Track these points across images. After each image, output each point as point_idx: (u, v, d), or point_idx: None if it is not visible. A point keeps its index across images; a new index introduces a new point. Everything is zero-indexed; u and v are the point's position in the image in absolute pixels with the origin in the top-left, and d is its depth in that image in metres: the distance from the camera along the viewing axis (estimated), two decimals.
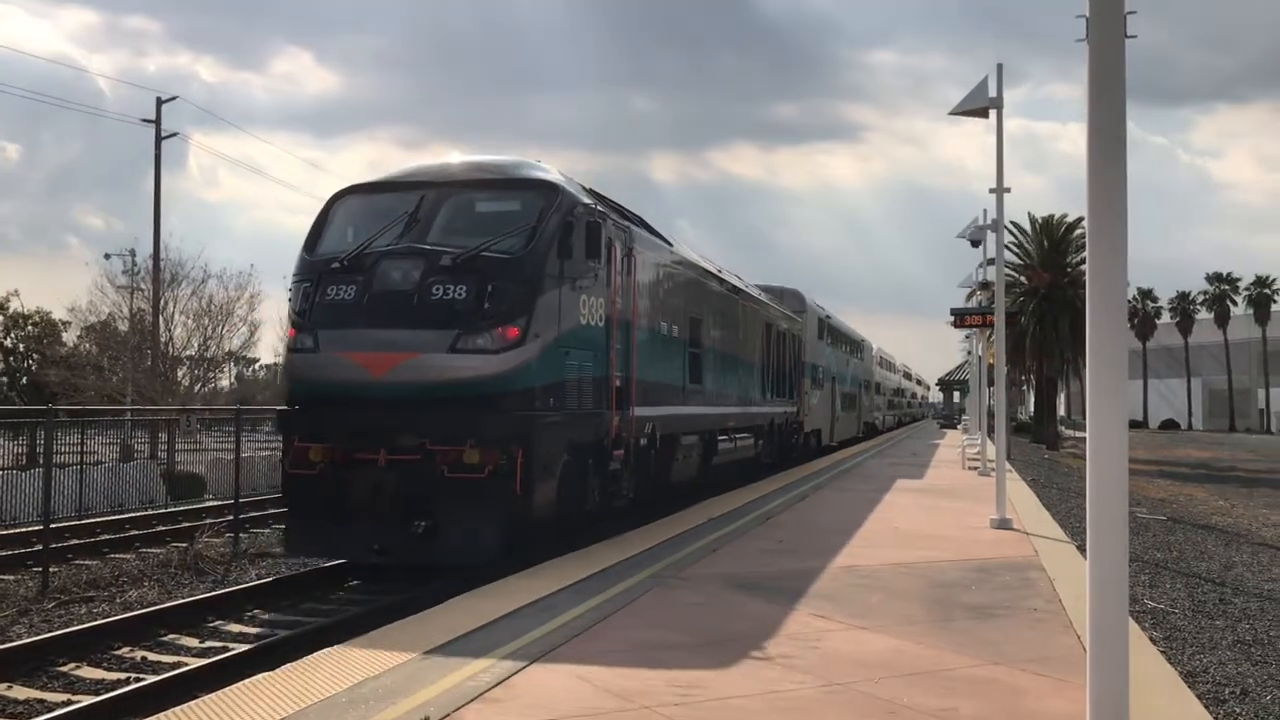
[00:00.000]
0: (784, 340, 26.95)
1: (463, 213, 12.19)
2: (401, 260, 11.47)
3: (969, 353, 45.14)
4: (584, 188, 13.62)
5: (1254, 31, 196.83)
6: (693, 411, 17.50)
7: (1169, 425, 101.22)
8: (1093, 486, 4.66)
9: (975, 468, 25.64)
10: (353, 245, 11.90)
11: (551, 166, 13.46)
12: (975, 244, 22.37)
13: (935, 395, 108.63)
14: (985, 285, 29.08)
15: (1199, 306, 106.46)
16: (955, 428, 64.52)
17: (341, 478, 11.29)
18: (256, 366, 76.78)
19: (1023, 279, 52.09)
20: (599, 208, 13.20)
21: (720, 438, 19.70)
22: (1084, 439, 5.12)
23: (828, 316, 36.99)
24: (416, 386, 11.09)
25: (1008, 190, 15.46)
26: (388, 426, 11.15)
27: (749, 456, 22.63)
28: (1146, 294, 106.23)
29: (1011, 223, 53.59)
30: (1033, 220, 54.15)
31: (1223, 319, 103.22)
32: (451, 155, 13.87)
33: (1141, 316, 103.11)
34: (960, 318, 24.53)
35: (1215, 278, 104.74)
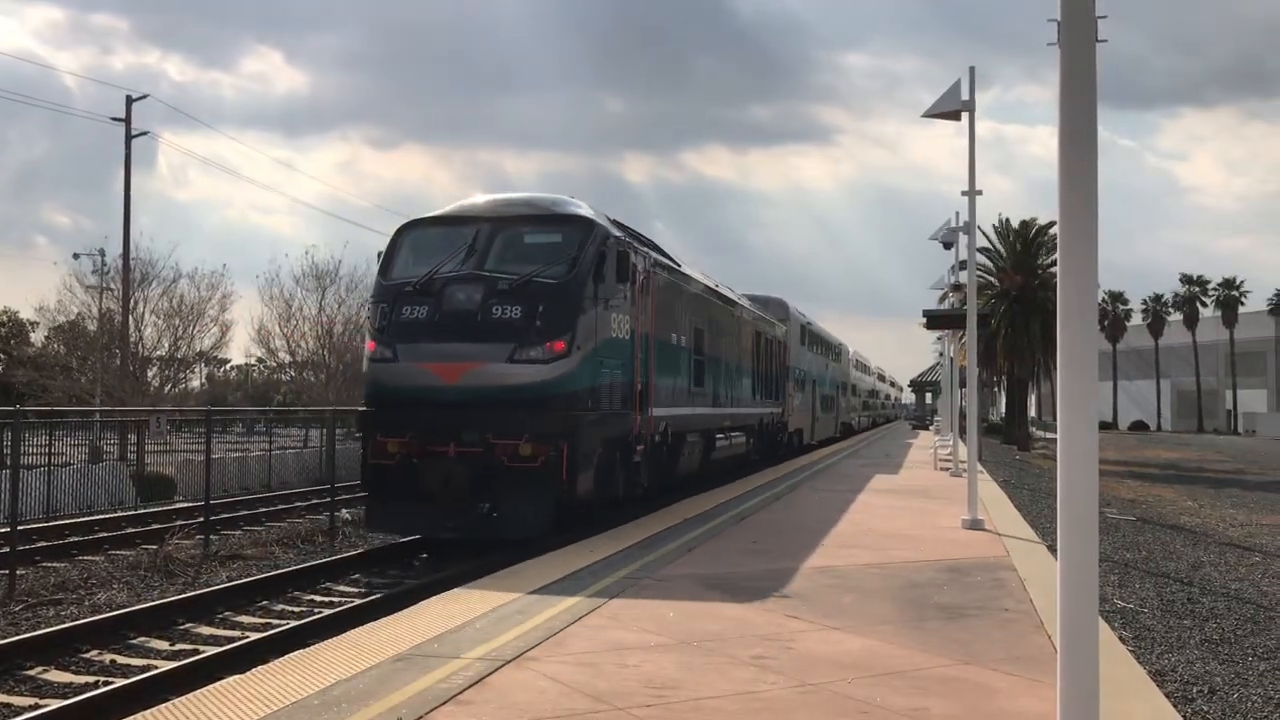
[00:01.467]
0: (770, 346, 29.01)
1: (514, 244, 14.35)
2: (466, 285, 13.74)
3: (941, 354, 45.33)
4: (610, 219, 15.87)
5: (1220, 35, 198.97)
6: (697, 412, 19.78)
7: (1138, 426, 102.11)
8: (1063, 487, 4.69)
9: (947, 468, 25.78)
10: (421, 272, 14.09)
11: (583, 203, 15.65)
12: (947, 246, 22.45)
13: (908, 396, 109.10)
14: (957, 287, 29.22)
15: (1168, 309, 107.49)
16: (927, 428, 64.82)
17: (416, 467, 13.42)
18: (228, 367, 76.26)
19: (994, 281, 52.46)
20: (625, 238, 15.55)
21: (718, 436, 21.94)
22: (1055, 440, 5.15)
23: (809, 323, 38.96)
24: (481, 391, 13.32)
25: (979, 193, 15.55)
26: (456, 424, 13.29)
27: (741, 453, 24.83)
28: (1116, 296, 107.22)
29: (992, 226, 53.97)
30: (1005, 224, 54.57)
31: (1192, 321, 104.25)
32: (500, 194, 15.88)
33: (1111, 318, 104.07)
34: (933, 320, 24.65)
35: (1187, 279, 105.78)
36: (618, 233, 15.36)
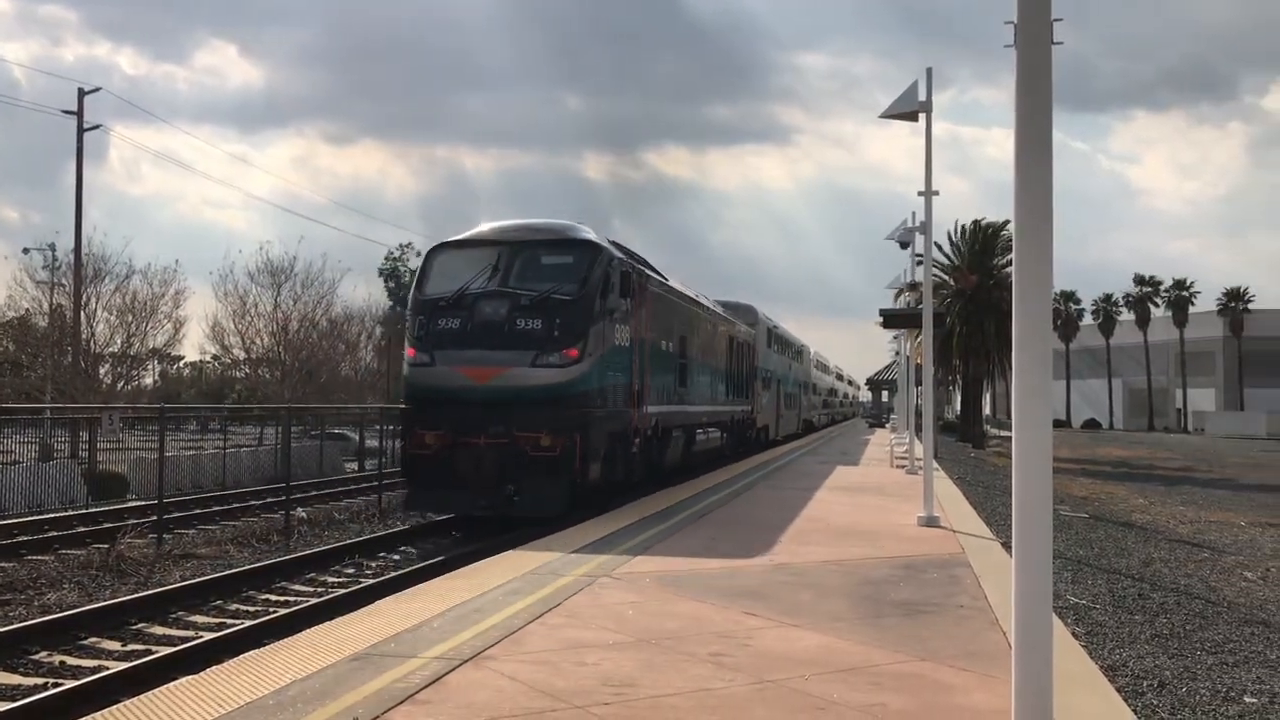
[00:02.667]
0: (741, 350, 31.23)
1: (532, 264, 16.42)
2: (492, 300, 15.93)
3: (897, 353, 45.73)
4: (611, 242, 18.30)
5: (1170, 39, 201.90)
6: (681, 410, 22.23)
7: (1091, 424, 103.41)
8: (1018, 485, 4.73)
9: (903, 466, 25.97)
10: (453, 288, 16.21)
11: (588, 228, 17.85)
12: (904, 246, 22.63)
13: (865, 395, 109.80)
14: (914, 286, 29.46)
15: (1120, 309, 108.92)
16: (883, 426, 65.30)
17: (450, 456, 15.53)
18: (181, 364, 75.28)
19: (950, 280, 52.92)
20: (625, 258, 17.83)
21: (698, 431, 24.34)
22: (1009, 438, 5.20)
23: (774, 326, 41.27)
24: (507, 391, 15.44)
25: (936, 193, 15.67)
26: (485, 419, 15.40)
27: (717, 447, 27.10)
28: (1069, 296, 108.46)
29: (948, 233, 54.47)
30: (961, 227, 55.07)
31: (1143, 321, 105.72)
32: (518, 220, 18.03)
33: (1065, 318, 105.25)
34: (890, 319, 24.83)
35: (1139, 280, 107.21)
36: (619, 254, 17.69)
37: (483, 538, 15.53)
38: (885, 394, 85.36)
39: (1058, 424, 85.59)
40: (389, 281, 57.24)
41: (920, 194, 15.81)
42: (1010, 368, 5.14)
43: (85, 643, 10.12)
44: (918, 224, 20.38)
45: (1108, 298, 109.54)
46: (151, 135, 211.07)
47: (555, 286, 15.93)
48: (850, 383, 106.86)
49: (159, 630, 10.77)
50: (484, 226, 17.83)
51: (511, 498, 15.28)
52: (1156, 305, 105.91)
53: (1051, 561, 4.78)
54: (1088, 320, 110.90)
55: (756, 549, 11.70)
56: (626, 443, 17.64)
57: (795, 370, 48.69)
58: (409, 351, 16.56)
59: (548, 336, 15.56)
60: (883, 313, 24.75)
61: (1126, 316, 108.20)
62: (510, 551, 11.36)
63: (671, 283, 22.29)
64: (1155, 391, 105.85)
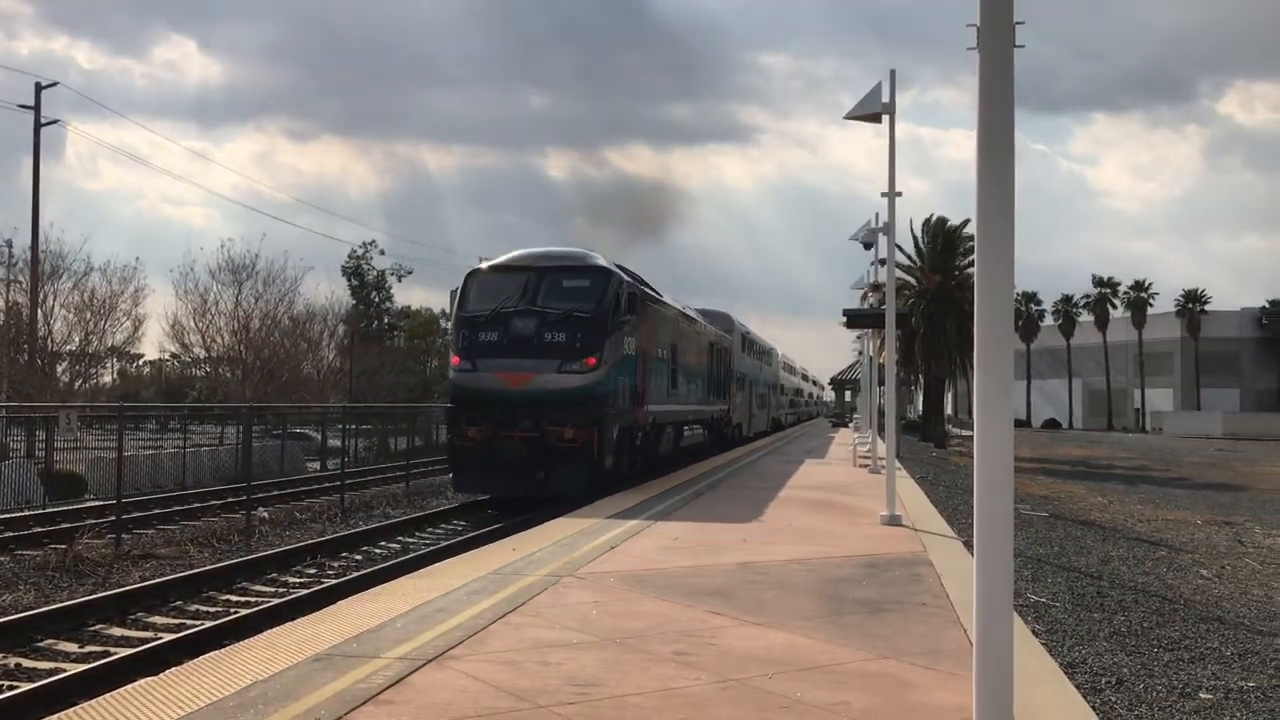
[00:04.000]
0: (719, 355, 34.15)
1: (555, 287, 19.45)
2: (524, 317, 18.98)
3: (860, 353, 46.00)
4: (618, 266, 21.58)
5: (1128, 43, 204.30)
6: (673, 409, 25.37)
7: (1051, 424, 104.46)
8: (980, 484, 4.77)
9: (866, 465, 26.13)
10: (490, 307, 19.29)
11: (600, 255, 20.97)
12: (867, 246, 22.74)
13: (829, 394, 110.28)
14: (877, 287, 29.61)
15: (1080, 309, 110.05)
16: (847, 426, 65.65)
17: (489, 447, 18.52)
18: (141, 363, 74.41)
19: (913, 281, 53.26)
20: (630, 281, 21.03)
21: (685, 428, 27.75)
22: (971, 437, 5.24)
23: (747, 332, 44.35)
24: (537, 393, 18.40)
25: (899, 194, 15.75)
26: (519, 416, 18.43)
27: (700, 442, 30.47)
28: (1030, 297, 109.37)
29: (911, 232, 54.79)
30: (924, 224, 55.41)
31: (1103, 322, 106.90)
32: (541, 248, 21.01)
33: (1025, 319, 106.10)
34: (853, 319, 24.95)
35: (1098, 281, 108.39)
36: (626, 278, 20.87)
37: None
38: (848, 394, 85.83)
39: (1018, 424, 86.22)
40: (352, 279, 56.92)
41: (884, 195, 15.88)
42: (972, 368, 5.18)
43: (42, 644, 9.99)
44: (881, 224, 20.51)
45: (1068, 299, 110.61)
46: (109, 131, 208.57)
47: (575, 305, 19.01)
48: (815, 383, 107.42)
49: (117, 631, 10.64)
50: (513, 253, 20.78)
51: (542, 481, 18.25)
52: (1115, 306, 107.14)
53: (1012, 560, 4.82)
54: (1049, 321, 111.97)
55: (725, 547, 11.73)
56: (632, 436, 20.93)
57: (765, 373, 51.58)
58: (454, 360, 19.69)
59: (570, 347, 18.63)
60: (846, 313, 24.85)
61: (1086, 317, 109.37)
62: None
63: (665, 298, 25.49)
64: (1114, 392, 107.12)
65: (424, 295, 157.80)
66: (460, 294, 20.10)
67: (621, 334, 19.71)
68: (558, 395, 18.32)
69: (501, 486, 19.10)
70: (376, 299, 58.29)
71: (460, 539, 16.22)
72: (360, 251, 57.10)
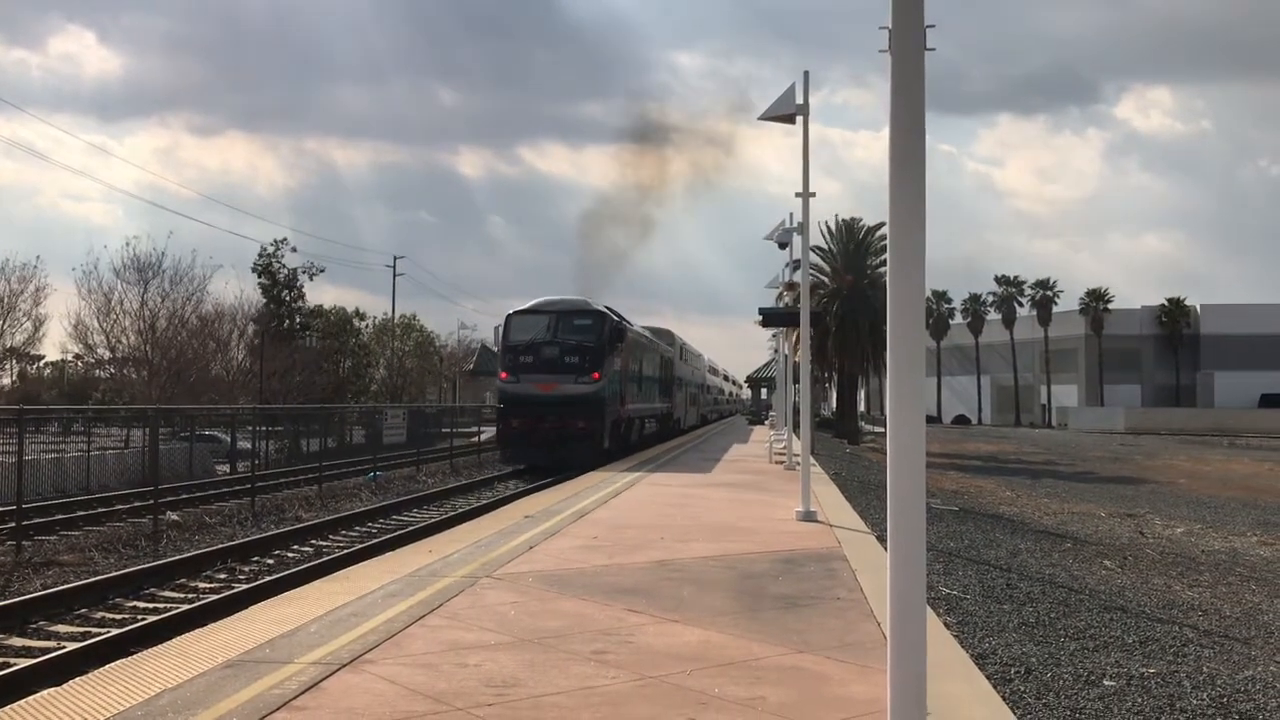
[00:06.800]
0: (666, 364, 44.04)
1: (568, 325, 29.56)
2: (550, 346, 29.12)
3: (775, 351, 46.52)
4: (608, 308, 31.80)
5: (1033, 46, 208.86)
6: (642, 407, 36.39)
7: (961, 420, 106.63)
8: (893, 480, 4.83)
9: (782, 462, 26.37)
10: (526, 338, 29.38)
11: (599, 303, 31.79)
12: (782, 246, 22.98)
13: (746, 393, 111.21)
14: (791, 286, 29.95)
15: (988, 308, 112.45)
16: (763, 423, 66.22)
17: (529, 433, 28.54)
18: (42, 364, 72.10)
19: (827, 280, 53.93)
20: (618, 319, 31.67)
21: (647, 421, 38.48)
22: (883, 434, 5.32)
23: (685, 345, 54.15)
24: (561, 397, 28.14)
25: (813, 195, 15.92)
26: (548, 412, 28.12)
27: (654, 431, 40.91)
28: (941, 295, 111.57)
29: (825, 227, 55.37)
30: (839, 226, 56.12)
31: (1010, 320, 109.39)
32: (558, 296, 31.54)
33: (936, 317, 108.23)
34: (769, 318, 25.21)
35: (1003, 280, 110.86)
36: (614, 317, 31.16)
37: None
38: (765, 391, 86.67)
39: (929, 420, 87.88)
40: (262, 278, 55.84)
41: (797, 195, 16.06)
42: (884, 365, 5.26)
43: None
44: (795, 224, 20.72)
45: (976, 297, 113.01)
46: (3, 124, 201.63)
47: (583, 338, 29.19)
48: (733, 382, 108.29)
49: (18, 642, 10.32)
50: (538, 300, 30.66)
51: (564, 456, 27.54)
52: (1021, 305, 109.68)
53: (925, 554, 4.90)
54: (958, 319, 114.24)
55: (643, 547, 11.76)
56: (619, 427, 31.08)
57: (696, 375, 61.84)
58: (502, 375, 29.81)
59: (582, 367, 28.71)
60: (762, 311, 25.12)
61: (995, 316, 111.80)
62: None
63: (636, 327, 36.50)
64: (1021, 388, 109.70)
65: (336, 294, 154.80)
66: (504, 329, 30.14)
67: (613, 357, 29.82)
68: (573, 398, 28.13)
69: (536, 458, 28.91)
70: (288, 298, 57.27)
71: (375, 541, 16.06)
72: (271, 249, 56.10)
